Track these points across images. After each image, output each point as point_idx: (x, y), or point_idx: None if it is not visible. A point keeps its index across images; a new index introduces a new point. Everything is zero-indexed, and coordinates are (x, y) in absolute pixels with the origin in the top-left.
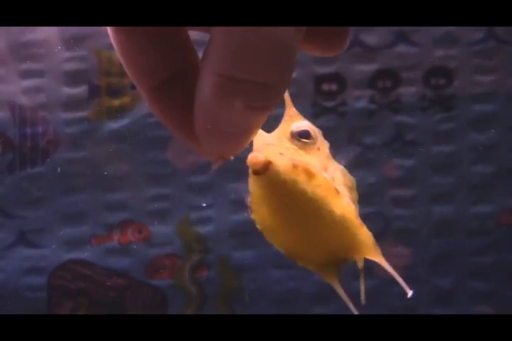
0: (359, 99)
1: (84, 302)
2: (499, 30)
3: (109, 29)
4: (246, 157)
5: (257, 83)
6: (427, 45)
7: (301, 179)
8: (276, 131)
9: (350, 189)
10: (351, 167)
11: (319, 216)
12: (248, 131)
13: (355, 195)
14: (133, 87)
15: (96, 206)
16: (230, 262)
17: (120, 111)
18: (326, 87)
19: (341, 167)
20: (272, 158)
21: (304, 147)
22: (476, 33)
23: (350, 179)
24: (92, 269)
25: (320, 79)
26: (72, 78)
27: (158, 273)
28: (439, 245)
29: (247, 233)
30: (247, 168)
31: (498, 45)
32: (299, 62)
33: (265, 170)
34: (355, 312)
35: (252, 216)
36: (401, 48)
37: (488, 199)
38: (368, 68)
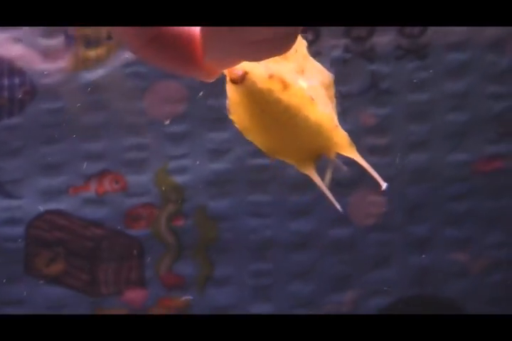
0: (334, 48)
1: (62, 252)
2: None
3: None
4: (224, 106)
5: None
6: None
7: (277, 88)
8: None
9: (327, 86)
10: None
11: (294, 122)
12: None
13: (333, 91)
14: (109, 38)
15: (73, 156)
16: (207, 211)
17: (96, 62)
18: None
19: (318, 64)
20: (248, 68)
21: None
22: None
23: (327, 76)
24: (69, 219)
25: None
26: (48, 29)
27: (136, 223)
28: (415, 193)
29: (225, 182)
30: (224, 117)
31: None
32: None
33: (242, 80)
34: (338, 207)
35: (230, 116)
36: None
37: (464, 147)
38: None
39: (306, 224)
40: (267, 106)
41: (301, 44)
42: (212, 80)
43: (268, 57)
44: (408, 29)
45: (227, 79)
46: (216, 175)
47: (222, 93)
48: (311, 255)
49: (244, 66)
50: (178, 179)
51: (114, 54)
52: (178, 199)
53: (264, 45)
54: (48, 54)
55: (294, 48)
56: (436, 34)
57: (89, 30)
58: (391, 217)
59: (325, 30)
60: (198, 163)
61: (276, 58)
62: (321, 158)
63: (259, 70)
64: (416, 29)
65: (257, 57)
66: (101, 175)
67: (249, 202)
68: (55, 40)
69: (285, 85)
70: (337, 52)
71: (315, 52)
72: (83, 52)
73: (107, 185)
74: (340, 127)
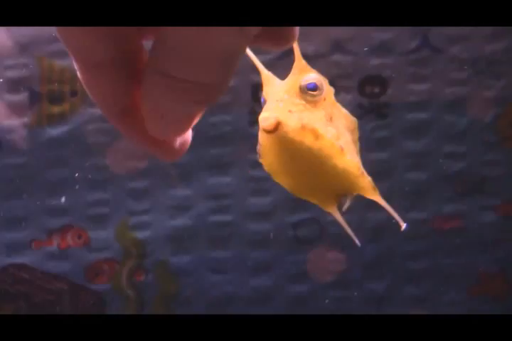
0: None
1: (25, 306)
2: (433, 38)
3: (75, 63)
4: (182, 163)
5: (199, 83)
6: (362, 53)
7: (308, 139)
8: (286, 84)
9: (352, 131)
10: None
11: (323, 169)
12: (190, 120)
13: (357, 135)
14: (73, 94)
15: (37, 211)
16: (168, 266)
17: (60, 118)
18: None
19: (344, 110)
20: (281, 118)
21: (311, 100)
22: (410, 42)
23: (352, 121)
24: (32, 273)
25: (256, 87)
26: (14, 85)
27: (97, 278)
28: (374, 250)
29: (185, 238)
30: (186, 173)
31: (431, 53)
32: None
33: (275, 130)
34: (357, 242)
35: (260, 160)
36: (336, 57)
37: (423, 206)
38: None
39: (266, 280)
40: (297, 154)
41: (329, 92)
42: (176, 158)
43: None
44: (368, 88)
45: (260, 127)
46: (177, 231)
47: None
48: (271, 310)
49: (278, 116)
50: (139, 234)
51: (77, 110)
52: (139, 254)
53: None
54: (12, 109)
55: (323, 97)
56: (396, 93)
57: (54, 87)
58: (350, 273)
59: None
60: (159, 218)
61: (307, 106)
62: (342, 197)
63: (292, 121)
64: (376, 88)
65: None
66: (64, 229)
67: (210, 257)
68: (20, 95)
69: (316, 136)
70: None
71: None
72: (47, 108)
73: (70, 239)
74: (365, 173)
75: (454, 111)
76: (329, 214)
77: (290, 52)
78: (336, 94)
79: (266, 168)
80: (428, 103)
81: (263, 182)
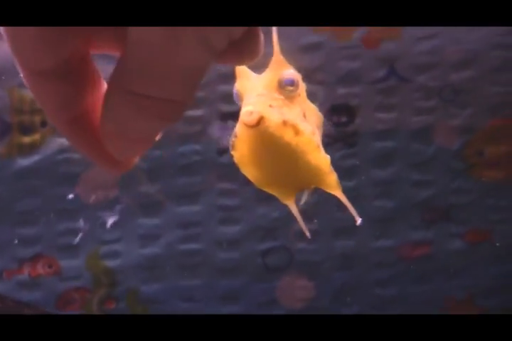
0: None
1: None
2: (400, 68)
3: (21, 71)
4: (151, 192)
5: (163, 100)
6: (330, 83)
7: (288, 135)
8: (265, 78)
9: (319, 127)
10: (254, 202)
11: (295, 165)
12: (152, 136)
13: (321, 130)
14: (43, 125)
15: (7, 240)
16: (139, 295)
17: (30, 148)
18: (231, 124)
19: (313, 106)
20: (264, 113)
21: (289, 95)
22: (377, 71)
23: (319, 116)
24: (3, 302)
25: (225, 117)
26: None
27: (68, 306)
28: (342, 278)
29: (155, 267)
30: (155, 202)
31: (399, 82)
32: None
33: (257, 124)
34: (309, 236)
35: (232, 152)
36: (306, 86)
37: (390, 234)
38: None
39: (236, 308)
40: (273, 148)
41: (303, 88)
42: (122, 172)
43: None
44: (336, 117)
45: (240, 120)
46: (147, 259)
47: (154, 178)
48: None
49: (261, 111)
50: (110, 263)
51: (48, 141)
52: (109, 283)
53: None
54: None
55: (298, 93)
56: (364, 122)
57: (25, 117)
58: (318, 301)
59: None
60: (129, 247)
61: (285, 101)
62: (301, 191)
63: (274, 116)
64: (344, 117)
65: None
66: (34, 259)
67: (180, 286)
68: None
69: (296, 132)
70: None
71: None
72: (18, 138)
73: (41, 268)
74: (333, 170)
75: (421, 139)
76: (287, 206)
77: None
78: None
79: (236, 159)
80: (395, 131)
81: (232, 211)
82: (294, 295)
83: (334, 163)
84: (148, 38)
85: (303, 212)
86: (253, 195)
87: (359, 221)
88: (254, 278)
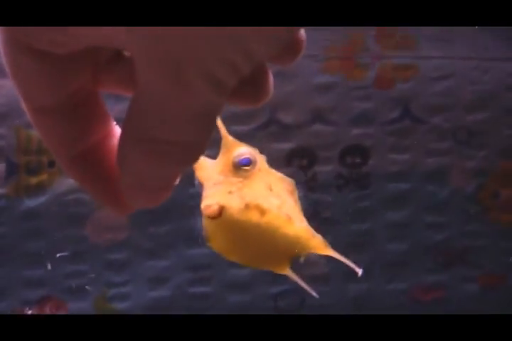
0: None
1: None
2: (414, 109)
3: (25, 107)
4: (161, 234)
5: (179, 143)
6: (343, 123)
7: (254, 216)
8: (219, 164)
9: (291, 192)
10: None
11: (273, 240)
12: (172, 182)
13: (296, 195)
14: (51, 165)
15: (14, 282)
16: None
17: (38, 189)
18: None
19: (279, 174)
20: (223, 202)
21: (247, 175)
22: (391, 112)
23: (289, 182)
24: None
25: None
26: None
27: None
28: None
29: (165, 310)
30: (164, 245)
31: (412, 123)
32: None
33: (219, 215)
34: (314, 294)
35: (209, 243)
36: (317, 127)
37: (403, 277)
38: (284, 146)
39: None
40: (245, 232)
41: (262, 161)
42: (123, 215)
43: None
44: (349, 159)
45: (204, 214)
46: (156, 302)
47: (163, 220)
48: None
49: (220, 201)
50: (118, 306)
51: (56, 181)
52: None
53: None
54: None
55: (257, 168)
56: (377, 163)
57: (32, 158)
58: None
59: (266, 158)
60: (138, 290)
61: (245, 182)
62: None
63: (234, 202)
64: (357, 159)
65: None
66: (42, 301)
67: None
68: None
69: (262, 211)
70: None
71: None
72: (25, 179)
73: (48, 311)
74: (314, 233)
75: (435, 181)
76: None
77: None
78: (317, 165)
79: (215, 249)
80: (409, 173)
81: None
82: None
83: (347, 205)
84: (155, 85)
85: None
86: None
87: (360, 272)
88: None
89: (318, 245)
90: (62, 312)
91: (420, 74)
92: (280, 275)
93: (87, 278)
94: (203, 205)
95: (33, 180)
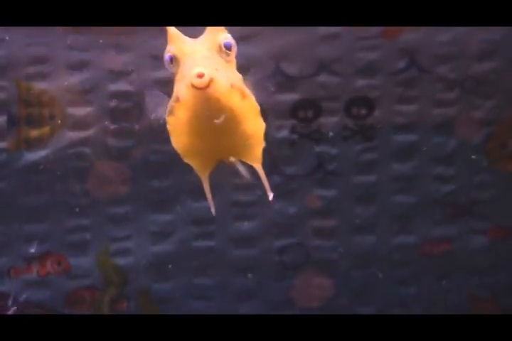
0: (280, 129)
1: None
2: (420, 58)
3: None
4: (163, 187)
5: None
6: (349, 74)
7: (235, 99)
8: (205, 41)
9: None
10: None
11: (231, 131)
12: None
13: None
14: (52, 118)
15: (14, 238)
16: (150, 294)
17: (39, 142)
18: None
19: (239, 75)
20: (213, 75)
21: (227, 59)
22: (397, 63)
23: (240, 77)
24: (10, 301)
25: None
26: None
27: (78, 306)
28: (361, 276)
29: (167, 265)
30: (166, 199)
31: (419, 74)
32: None
33: (207, 87)
34: (213, 212)
35: (167, 117)
36: (322, 78)
37: (410, 230)
38: (288, 98)
39: (251, 307)
40: (217, 112)
41: (234, 53)
42: None
43: None
44: (355, 110)
45: (188, 82)
46: (159, 257)
47: (165, 174)
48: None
49: (211, 73)
50: (120, 261)
51: (57, 134)
52: (120, 282)
53: None
54: None
55: (233, 58)
56: (383, 115)
57: (33, 110)
58: (337, 300)
59: (271, 110)
60: (140, 245)
61: (226, 65)
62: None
63: (222, 79)
64: (363, 110)
65: None
66: (43, 256)
67: (193, 285)
68: None
69: (243, 95)
70: (283, 133)
71: None
72: (26, 131)
73: (49, 266)
74: (263, 141)
75: (442, 132)
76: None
77: None
78: (322, 116)
79: (170, 125)
80: (416, 124)
81: (247, 208)
82: (312, 293)
83: (353, 157)
84: None
85: (321, 209)
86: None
87: (271, 196)
88: (271, 276)
89: (257, 154)
90: (63, 267)
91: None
92: (285, 229)
93: (88, 232)
94: (194, 72)
95: (34, 133)
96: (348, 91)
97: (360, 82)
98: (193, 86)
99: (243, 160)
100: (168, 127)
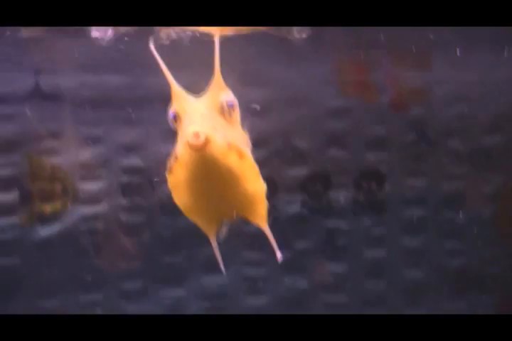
0: (290, 204)
1: None
2: (430, 132)
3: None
4: (174, 262)
5: None
6: (358, 148)
7: (232, 159)
8: (206, 100)
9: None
10: (283, 271)
11: (232, 191)
12: None
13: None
14: (64, 193)
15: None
16: None
17: (52, 217)
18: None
19: (244, 133)
20: (210, 135)
21: (228, 118)
22: (406, 136)
23: (245, 136)
24: None
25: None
26: (3, 184)
27: None
28: None
29: None
30: (178, 274)
31: (428, 147)
32: None
33: (203, 146)
34: (223, 270)
35: (168, 175)
36: (332, 152)
37: (420, 304)
38: (299, 172)
39: None
40: (216, 172)
41: (238, 113)
42: None
43: None
44: (365, 184)
45: (185, 141)
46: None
47: (177, 249)
48: None
49: (208, 132)
50: None
51: (69, 209)
52: None
53: None
54: (2, 209)
55: (235, 117)
56: (394, 189)
57: (45, 185)
58: None
59: (281, 184)
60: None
61: (227, 124)
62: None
63: (218, 138)
64: (373, 184)
65: None
66: None
67: None
68: (11, 194)
69: (241, 155)
70: (293, 208)
71: (271, 208)
72: (38, 207)
73: None
74: (266, 201)
75: (451, 206)
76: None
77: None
78: (332, 190)
79: (170, 183)
80: (425, 198)
81: (259, 282)
82: None
83: (363, 231)
84: None
85: (331, 283)
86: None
87: (279, 256)
88: None
89: (261, 214)
90: None
91: (435, 97)
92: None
93: (101, 307)
94: (190, 131)
95: (46, 208)
96: (357, 165)
97: (370, 156)
98: (190, 145)
99: (248, 219)
100: (169, 185)
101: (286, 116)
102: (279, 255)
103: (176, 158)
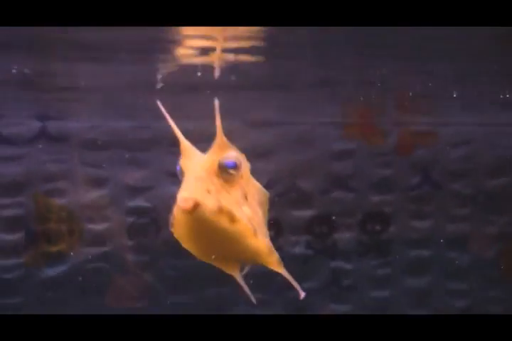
0: (295, 245)
1: None
2: (434, 175)
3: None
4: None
5: None
6: (363, 190)
7: (224, 221)
8: (205, 160)
9: (263, 203)
10: (289, 312)
11: (234, 248)
12: None
13: (267, 207)
14: (70, 233)
15: None
16: None
17: (58, 257)
18: None
19: (257, 184)
20: (200, 199)
21: (229, 178)
22: (411, 179)
23: (264, 194)
24: None
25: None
26: (9, 224)
27: None
28: None
29: None
30: (185, 314)
31: (432, 190)
32: None
33: (192, 211)
34: (253, 301)
35: (172, 229)
36: (337, 194)
37: None
38: (304, 214)
39: None
40: (210, 233)
41: (246, 168)
42: None
43: None
44: (369, 225)
45: (178, 205)
46: None
47: (184, 290)
48: None
49: (197, 198)
50: None
51: (75, 250)
52: None
53: None
54: (8, 249)
55: (240, 174)
56: (398, 231)
57: (51, 226)
58: None
59: (286, 226)
60: None
61: (225, 186)
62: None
63: (209, 202)
64: (377, 225)
65: None
66: None
67: None
68: (16, 235)
69: (232, 219)
70: (299, 249)
71: (276, 249)
72: (44, 247)
73: None
74: (273, 249)
75: (455, 247)
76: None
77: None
78: (337, 232)
79: (176, 235)
80: (430, 240)
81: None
82: None
83: (367, 272)
84: None
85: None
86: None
87: (302, 295)
88: None
89: (274, 263)
90: None
91: (440, 140)
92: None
93: None
94: (179, 196)
95: (52, 248)
96: (362, 207)
97: (375, 198)
98: (180, 208)
99: (265, 265)
100: (175, 236)
101: (291, 159)
102: (302, 294)
103: (174, 216)
